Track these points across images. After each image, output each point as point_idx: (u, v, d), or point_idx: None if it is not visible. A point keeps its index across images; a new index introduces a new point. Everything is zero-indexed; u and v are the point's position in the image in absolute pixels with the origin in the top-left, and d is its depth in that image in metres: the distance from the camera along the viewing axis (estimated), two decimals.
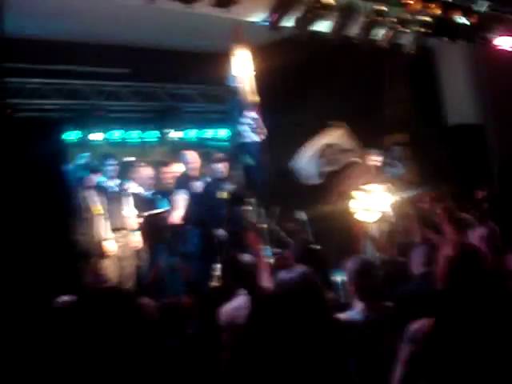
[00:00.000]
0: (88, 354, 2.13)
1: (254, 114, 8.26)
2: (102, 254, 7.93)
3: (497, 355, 2.85)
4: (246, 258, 5.47)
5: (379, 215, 9.77)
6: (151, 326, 4.29)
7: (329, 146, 9.28)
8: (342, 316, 3.93)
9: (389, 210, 9.74)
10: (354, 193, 9.80)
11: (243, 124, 8.29)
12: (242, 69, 8.23)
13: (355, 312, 4.05)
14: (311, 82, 11.18)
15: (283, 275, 3.99)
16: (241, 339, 2.41)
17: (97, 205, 8.01)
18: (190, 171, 9.02)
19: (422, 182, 10.13)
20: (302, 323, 2.24)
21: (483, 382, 2.80)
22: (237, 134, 8.46)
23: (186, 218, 8.65)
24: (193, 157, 9.15)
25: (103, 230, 8.01)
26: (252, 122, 8.30)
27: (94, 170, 8.46)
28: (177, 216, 8.54)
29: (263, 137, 8.32)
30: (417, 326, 3.02)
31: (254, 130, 8.32)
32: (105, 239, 7.98)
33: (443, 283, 3.12)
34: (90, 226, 7.79)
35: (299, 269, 4.10)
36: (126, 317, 2.21)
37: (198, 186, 8.86)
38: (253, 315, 2.35)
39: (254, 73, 8.35)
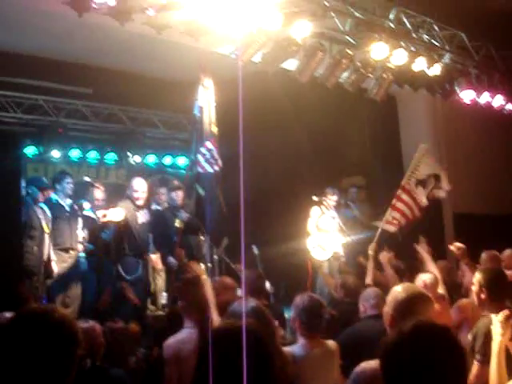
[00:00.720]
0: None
1: (210, 145, 8.26)
2: (46, 274, 7.78)
3: None
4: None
5: (331, 254, 9.89)
6: (96, 349, 4.24)
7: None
8: (286, 349, 3.94)
9: (340, 250, 9.86)
10: (309, 230, 9.90)
11: (199, 154, 8.29)
12: (205, 99, 8.25)
13: (297, 347, 4.07)
14: (273, 116, 11.26)
15: (235, 308, 3.98)
16: (192, 372, 2.36)
17: (44, 223, 7.85)
18: (135, 199, 8.68)
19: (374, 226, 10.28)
20: (250, 361, 2.21)
21: None
22: (193, 163, 8.44)
23: (131, 247, 8.51)
24: (139, 184, 8.86)
25: (47, 249, 7.84)
26: (207, 153, 8.30)
27: (44, 187, 8.31)
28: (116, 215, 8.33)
29: (217, 168, 8.32)
30: (361, 368, 3.03)
31: (208, 161, 8.31)
32: (49, 259, 7.82)
33: (390, 326, 3.14)
34: (36, 244, 7.58)
35: (251, 302, 4.09)
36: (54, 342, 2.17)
37: (144, 215, 8.71)
38: (204, 349, 2.31)
39: (215, 104, 8.38)
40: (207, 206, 8.34)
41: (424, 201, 8.76)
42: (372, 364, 3.01)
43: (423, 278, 5.63)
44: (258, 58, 7.64)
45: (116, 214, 8.17)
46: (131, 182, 8.90)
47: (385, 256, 6.61)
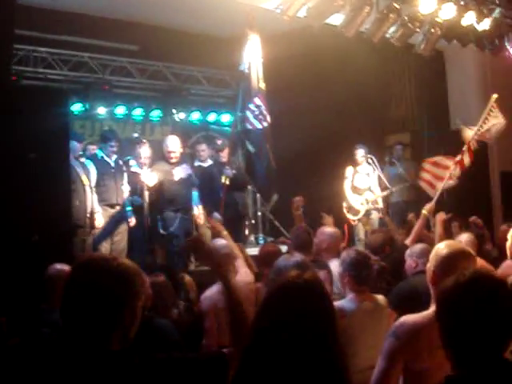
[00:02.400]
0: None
1: (258, 101, 8.24)
2: (90, 227, 7.91)
3: None
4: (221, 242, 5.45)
5: (364, 212, 9.88)
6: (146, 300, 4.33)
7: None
8: (336, 304, 3.97)
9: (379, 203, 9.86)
10: (345, 190, 9.90)
11: (248, 110, 8.28)
12: (252, 55, 8.21)
13: (346, 301, 4.09)
14: (318, 72, 11.16)
15: (280, 262, 4.02)
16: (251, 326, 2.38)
17: (84, 176, 7.93)
18: (169, 158, 8.69)
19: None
20: (306, 315, 2.23)
21: None
22: (240, 120, 8.45)
23: (168, 202, 8.58)
24: (173, 143, 8.85)
25: (90, 202, 7.93)
26: (256, 109, 8.29)
27: (81, 140, 8.39)
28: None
29: (266, 124, 8.30)
30: (403, 321, 3.04)
31: (257, 117, 8.31)
32: (91, 212, 7.93)
33: (433, 283, 3.13)
34: (77, 198, 7.66)
35: (296, 257, 4.13)
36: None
37: (180, 171, 8.72)
38: (265, 304, 2.33)
39: (262, 60, 8.34)
40: (257, 162, 8.38)
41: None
42: (412, 317, 3.03)
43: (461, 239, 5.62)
44: (303, 12, 7.54)
45: (149, 179, 8.24)
46: (165, 141, 8.93)
47: (441, 215, 6.51)
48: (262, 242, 11.09)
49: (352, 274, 4.12)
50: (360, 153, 10.03)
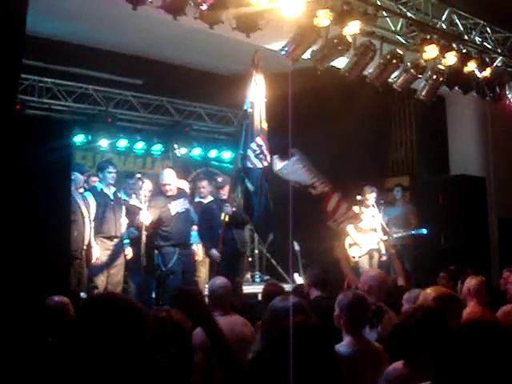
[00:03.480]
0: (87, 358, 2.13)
1: (260, 141, 8.31)
2: (86, 259, 7.91)
3: None
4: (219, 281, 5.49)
5: (366, 251, 9.94)
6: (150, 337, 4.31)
7: None
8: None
9: (378, 247, 9.90)
10: (347, 229, 9.92)
11: (249, 149, 8.35)
12: (256, 95, 8.30)
13: (342, 345, 4.07)
14: (321, 112, 11.28)
15: (276, 304, 4.01)
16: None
17: (84, 208, 7.94)
18: (165, 191, 8.70)
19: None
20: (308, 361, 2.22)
21: None
22: (241, 158, 8.50)
23: (166, 237, 8.63)
24: (169, 175, 8.88)
25: (88, 234, 7.92)
26: (257, 148, 8.35)
27: (85, 172, 8.42)
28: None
29: (266, 164, 8.36)
30: (396, 368, 3.05)
31: (257, 156, 8.36)
32: (88, 244, 7.93)
33: None
34: (75, 229, 7.62)
35: (293, 299, 4.12)
36: (131, 326, 2.22)
37: (178, 205, 8.74)
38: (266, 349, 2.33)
39: (265, 100, 8.42)
40: (255, 201, 8.41)
41: None
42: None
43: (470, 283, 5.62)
44: (307, 54, 7.65)
45: (146, 217, 8.28)
46: (161, 174, 9.00)
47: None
48: (258, 279, 11.11)
49: (349, 316, 4.11)
50: (372, 194, 10.05)
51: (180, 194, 8.84)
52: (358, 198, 9.97)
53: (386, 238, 10.02)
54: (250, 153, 8.37)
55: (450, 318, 3.08)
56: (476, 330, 2.12)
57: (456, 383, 2.02)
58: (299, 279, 10.01)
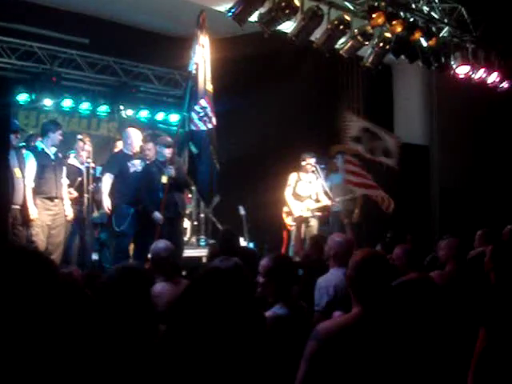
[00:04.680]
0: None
1: (204, 103, 8.24)
2: (23, 221, 7.76)
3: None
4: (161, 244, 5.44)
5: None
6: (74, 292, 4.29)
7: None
8: (268, 313, 3.96)
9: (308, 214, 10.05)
10: (285, 196, 10.04)
11: (193, 111, 8.28)
12: (201, 56, 8.22)
13: (278, 308, 4.07)
14: (266, 78, 11.26)
15: (217, 263, 4.00)
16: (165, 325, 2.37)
17: (16, 168, 7.66)
18: (129, 148, 8.90)
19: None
20: (229, 310, 2.21)
21: None
22: (186, 121, 8.43)
23: (122, 196, 8.60)
24: (135, 134, 9.03)
25: (19, 194, 7.63)
26: (201, 111, 8.29)
27: (15, 129, 8.21)
28: (106, 202, 8.54)
29: (210, 126, 8.32)
30: (324, 324, 3.09)
31: (202, 119, 8.30)
32: (23, 205, 7.69)
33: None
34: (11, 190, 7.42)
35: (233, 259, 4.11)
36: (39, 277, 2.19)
37: (137, 164, 8.77)
38: (179, 299, 2.30)
39: (212, 62, 8.35)
40: (199, 164, 8.38)
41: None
42: (333, 322, 3.10)
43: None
44: (254, 17, 7.59)
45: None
46: (126, 132, 9.08)
47: None
48: (203, 243, 11.10)
49: (277, 282, 4.12)
50: (311, 161, 10.09)
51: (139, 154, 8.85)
52: (303, 163, 10.01)
53: (328, 203, 10.10)
54: (193, 115, 8.30)
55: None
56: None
57: None
58: (244, 244, 10.05)
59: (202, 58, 8.19)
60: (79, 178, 8.34)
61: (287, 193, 10.13)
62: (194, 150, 8.33)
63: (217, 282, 2.25)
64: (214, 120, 8.23)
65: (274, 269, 4.11)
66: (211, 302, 2.21)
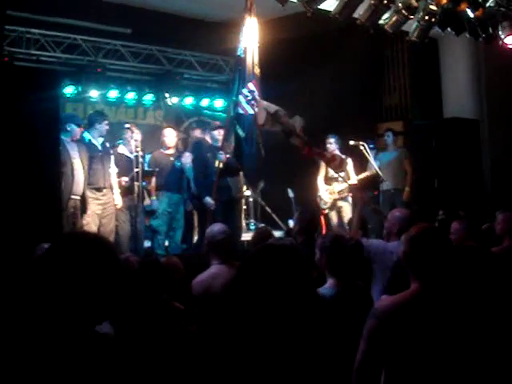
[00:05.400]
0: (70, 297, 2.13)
1: (252, 87, 8.21)
2: (82, 211, 7.89)
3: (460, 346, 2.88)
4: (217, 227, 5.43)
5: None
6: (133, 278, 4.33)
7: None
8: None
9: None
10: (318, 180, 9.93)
11: (241, 95, 8.26)
12: (249, 40, 8.18)
13: (326, 287, 4.06)
14: (312, 59, 11.17)
15: (272, 241, 4.00)
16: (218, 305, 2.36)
17: (76, 159, 7.83)
18: (166, 148, 9.28)
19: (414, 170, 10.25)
20: (285, 291, 2.18)
21: (442, 367, 2.84)
22: (234, 105, 8.43)
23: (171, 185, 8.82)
24: (170, 133, 9.36)
25: (78, 185, 7.80)
26: (249, 94, 8.26)
27: (81, 124, 8.35)
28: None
29: (257, 110, 8.28)
30: (383, 302, 3.05)
31: (249, 103, 8.28)
32: (83, 196, 7.87)
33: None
34: (66, 181, 7.53)
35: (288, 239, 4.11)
36: (109, 262, 2.21)
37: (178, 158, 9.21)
38: (234, 279, 2.27)
39: (258, 45, 8.30)
40: (246, 148, 8.37)
41: None
42: (393, 299, 3.05)
43: None
44: None
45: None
46: (163, 131, 9.47)
47: None
48: (253, 227, 11.13)
49: (329, 257, 4.10)
50: (330, 141, 9.86)
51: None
52: (351, 143, 9.85)
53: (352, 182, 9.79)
54: (241, 99, 8.28)
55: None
56: None
57: None
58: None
59: (250, 42, 8.15)
60: (136, 169, 8.40)
61: (319, 176, 10.01)
62: (241, 133, 8.32)
63: (271, 258, 2.21)
64: (261, 103, 8.20)
65: (326, 244, 4.12)
66: (265, 280, 2.17)
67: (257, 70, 8.25)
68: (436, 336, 2.86)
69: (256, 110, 8.26)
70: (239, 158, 8.45)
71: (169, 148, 9.24)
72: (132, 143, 8.59)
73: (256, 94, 8.25)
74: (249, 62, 8.19)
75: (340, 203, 9.88)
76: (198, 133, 10.09)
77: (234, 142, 9.22)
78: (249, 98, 8.25)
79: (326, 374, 2.44)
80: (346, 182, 9.57)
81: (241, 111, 8.31)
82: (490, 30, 9.42)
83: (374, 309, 2.99)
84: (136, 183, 8.36)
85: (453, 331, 2.89)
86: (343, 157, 9.57)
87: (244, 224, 11.17)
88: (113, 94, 11.31)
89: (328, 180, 9.96)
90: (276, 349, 2.13)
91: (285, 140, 9.37)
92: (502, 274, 4.13)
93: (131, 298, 4.18)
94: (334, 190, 9.87)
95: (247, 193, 10.68)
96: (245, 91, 8.23)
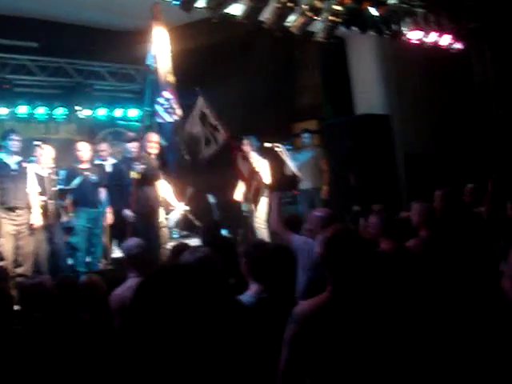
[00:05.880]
0: None
1: (168, 95, 8.17)
2: None
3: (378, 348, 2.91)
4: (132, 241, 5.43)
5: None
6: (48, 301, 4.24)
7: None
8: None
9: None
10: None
11: (158, 104, 8.21)
12: (160, 48, 8.12)
13: (248, 294, 4.02)
14: (225, 64, 11.19)
15: (186, 255, 3.94)
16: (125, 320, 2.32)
17: None
18: (79, 163, 8.90)
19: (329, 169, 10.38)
20: (194, 301, 2.14)
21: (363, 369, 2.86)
22: (153, 114, 8.37)
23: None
24: (83, 147, 8.98)
25: None
26: (166, 103, 8.22)
27: None
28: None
29: (176, 117, 8.27)
30: (300, 306, 3.05)
31: (167, 111, 8.24)
32: None
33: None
34: None
35: (204, 250, 4.05)
36: None
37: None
38: (138, 291, 2.23)
39: (171, 53, 8.26)
40: (169, 156, 8.34)
41: None
42: (311, 303, 3.06)
43: None
44: (202, 3, 7.50)
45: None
46: (76, 145, 9.06)
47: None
48: (175, 236, 11.03)
49: (251, 263, 4.08)
50: (247, 142, 9.96)
51: None
52: (267, 145, 9.92)
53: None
54: (158, 108, 8.24)
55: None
56: None
57: None
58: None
59: (160, 50, 8.10)
60: (53, 188, 8.23)
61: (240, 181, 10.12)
62: (162, 142, 8.30)
63: (161, 285, 2.17)
64: (178, 111, 8.18)
65: (248, 251, 4.12)
66: (158, 304, 2.13)
67: (171, 78, 8.22)
68: (351, 340, 2.86)
69: (175, 117, 8.24)
70: (165, 167, 8.43)
71: (83, 162, 9.02)
72: (42, 160, 8.39)
73: (173, 101, 8.23)
74: (161, 70, 8.15)
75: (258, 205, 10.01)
76: (104, 146, 9.93)
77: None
78: (166, 107, 8.22)
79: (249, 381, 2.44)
80: (262, 183, 9.68)
81: (160, 120, 8.29)
82: (394, 26, 9.70)
83: (292, 314, 2.99)
84: (50, 201, 8.17)
85: (367, 334, 2.89)
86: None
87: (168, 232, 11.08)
88: (22, 109, 11.05)
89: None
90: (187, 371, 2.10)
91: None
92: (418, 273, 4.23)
93: (48, 320, 4.10)
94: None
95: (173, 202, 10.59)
96: (161, 100, 8.19)
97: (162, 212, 9.23)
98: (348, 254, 3.01)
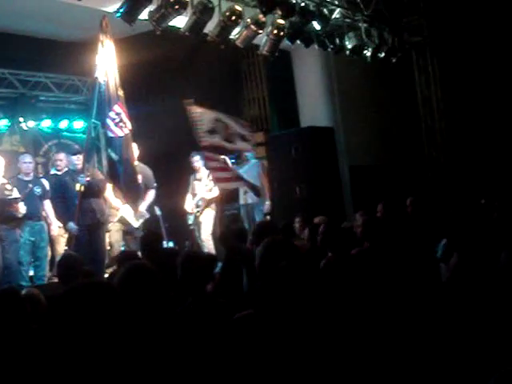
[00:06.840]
0: None
1: (118, 109, 8.17)
2: None
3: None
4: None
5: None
6: None
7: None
8: None
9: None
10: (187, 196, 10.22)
11: (108, 118, 8.20)
12: (108, 62, 8.09)
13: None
14: (170, 77, 11.21)
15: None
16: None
17: None
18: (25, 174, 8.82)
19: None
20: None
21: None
22: (103, 128, 8.38)
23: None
24: (26, 159, 8.96)
25: None
26: (116, 117, 8.21)
27: None
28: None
29: (127, 131, 8.27)
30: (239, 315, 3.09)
31: (117, 125, 8.24)
32: None
33: None
34: None
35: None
36: None
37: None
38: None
39: (117, 67, 8.23)
40: (120, 170, 8.32)
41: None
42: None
43: None
44: (145, 16, 7.50)
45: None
46: (19, 157, 9.04)
47: None
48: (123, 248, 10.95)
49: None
50: (195, 158, 10.18)
51: None
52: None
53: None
54: (109, 122, 8.24)
55: None
56: None
57: None
58: (164, 243, 9.99)
59: (108, 63, 8.08)
60: None
61: (188, 193, 10.26)
62: (113, 156, 8.30)
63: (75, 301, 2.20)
64: (129, 125, 8.19)
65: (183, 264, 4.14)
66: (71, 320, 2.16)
67: (120, 92, 8.22)
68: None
69: (125, 131, 8.24)
70: (116, 181, 8.42)
71: (27, 174, 8.92)
72: None
73: (123, 115, 8.23)
74: (111, 83, 8.14)
75: (201, 217, 10.15)
76: (61, 156, 9.81)
77: (97, 165, 9.13)
78: (116, 121, 8.22)
79: None
80: (206, 196, 9.96)
81: (111, 134, 8.29)
82: (337, 40, 9.86)
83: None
84: None
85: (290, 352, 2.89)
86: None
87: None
88: None
89: (194, 195, 10.17)
90: None
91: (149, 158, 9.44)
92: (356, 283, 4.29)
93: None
94: (198, 204, 10.11)
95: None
96: (112, 114, 8.18)
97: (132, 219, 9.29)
98: (277, 266, 3.03)
